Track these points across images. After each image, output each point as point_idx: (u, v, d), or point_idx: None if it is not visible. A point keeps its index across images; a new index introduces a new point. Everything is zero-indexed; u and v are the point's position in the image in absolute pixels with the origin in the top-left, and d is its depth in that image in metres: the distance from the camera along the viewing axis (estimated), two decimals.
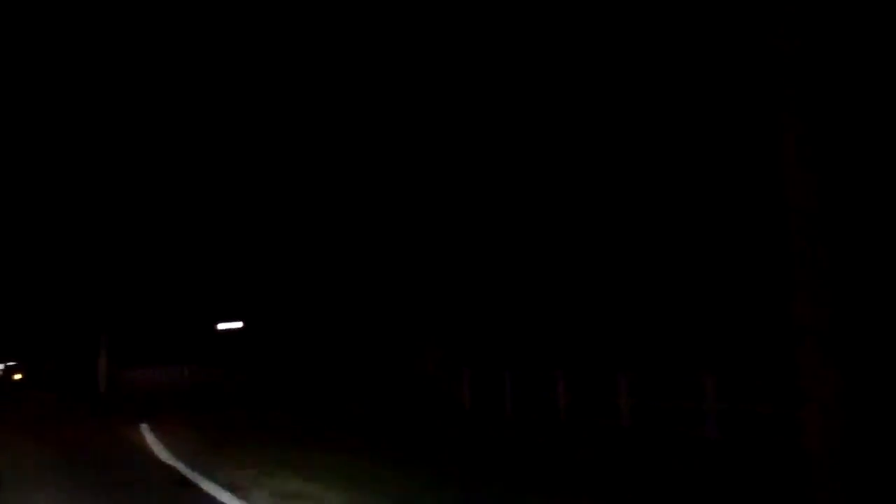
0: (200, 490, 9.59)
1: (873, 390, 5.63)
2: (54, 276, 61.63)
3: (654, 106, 24.36)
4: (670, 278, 24.85)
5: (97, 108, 42.06)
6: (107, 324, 46.63)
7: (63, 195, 51.53)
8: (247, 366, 41.15)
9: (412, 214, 29.36)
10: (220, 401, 29.87)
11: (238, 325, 40.33)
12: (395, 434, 16.75)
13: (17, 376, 72.36)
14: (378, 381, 28.06)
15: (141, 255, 51.49)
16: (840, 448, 5.49)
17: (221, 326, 40.35)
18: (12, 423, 21.52)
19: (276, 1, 30.38)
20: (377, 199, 31.62)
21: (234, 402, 28.54)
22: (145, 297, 53.43)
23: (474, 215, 28.54)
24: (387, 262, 30.54)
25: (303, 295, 37.19)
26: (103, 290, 49.78)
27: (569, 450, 13.86)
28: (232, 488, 9.43)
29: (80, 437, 17.90)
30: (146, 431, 18.24)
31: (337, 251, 33.73)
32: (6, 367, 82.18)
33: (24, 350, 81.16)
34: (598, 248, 26.86)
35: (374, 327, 31.18)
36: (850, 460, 5.41)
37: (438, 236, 28.86)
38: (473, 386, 22.27)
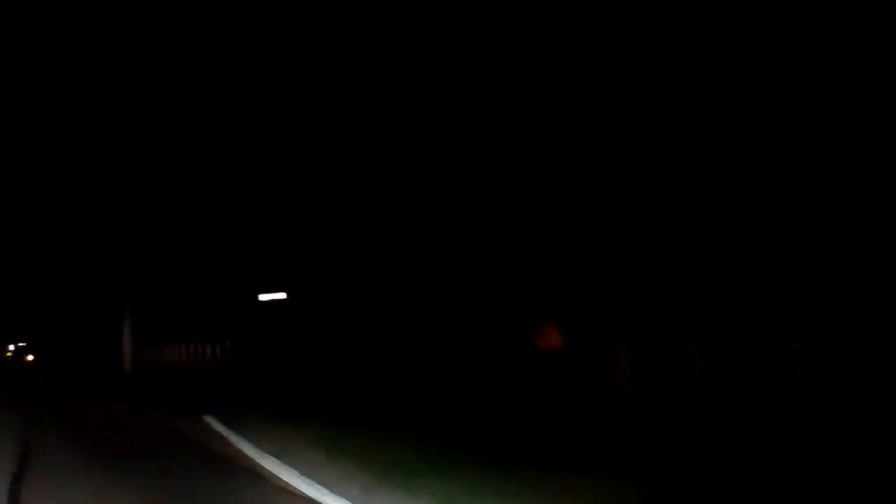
0: None
1: None
2: (65, 246, 56.37)
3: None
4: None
5: (120, 77, 37.79)
6: (130, 296, 41.43)
7: (76, 155, 46.34)
8: (291, 343, 36.04)
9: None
10: (282, 384, 24.78)
11: (281, 295, 35.15)
12: (605, 438, 11.67)
13: (30, 357, 67.67)
14: (475, 358, 22.90)
15: (166, 221, 46.33)
16: None
17: (263, 297, 35.15)
18: (39, 421, 16.39)
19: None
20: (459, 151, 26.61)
21: (301, 386, 23.45)
22: (169, 267, 48.22)
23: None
24: (475, 218, 25.39)
25: (361, 262, 32.01)
26: (124, 259, 44.54)
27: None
28: None
29: (135, 440, 12.81)
30: (225, 431, 13.16)
31: (406, 206, 28.59)
32: (17, 348, 77.53)
33: (31, 329, 76.18)
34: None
35: (458, 295, 26.02)
36: None
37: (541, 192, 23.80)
38: (634, 363, 17.14)
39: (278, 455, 10.04)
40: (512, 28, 25.78)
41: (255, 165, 40.19)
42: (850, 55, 18.95)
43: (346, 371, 26.00)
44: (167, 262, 48.73)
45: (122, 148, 42.92)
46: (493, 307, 23.47)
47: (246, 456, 10.46)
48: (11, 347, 79.62)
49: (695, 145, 23.63)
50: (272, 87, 35.40)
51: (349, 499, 7.36)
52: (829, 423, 11.76)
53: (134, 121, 41.22)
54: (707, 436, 11.32)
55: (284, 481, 8.55)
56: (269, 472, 9.13)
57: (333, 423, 13.67)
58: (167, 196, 45.99)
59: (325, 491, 7.77)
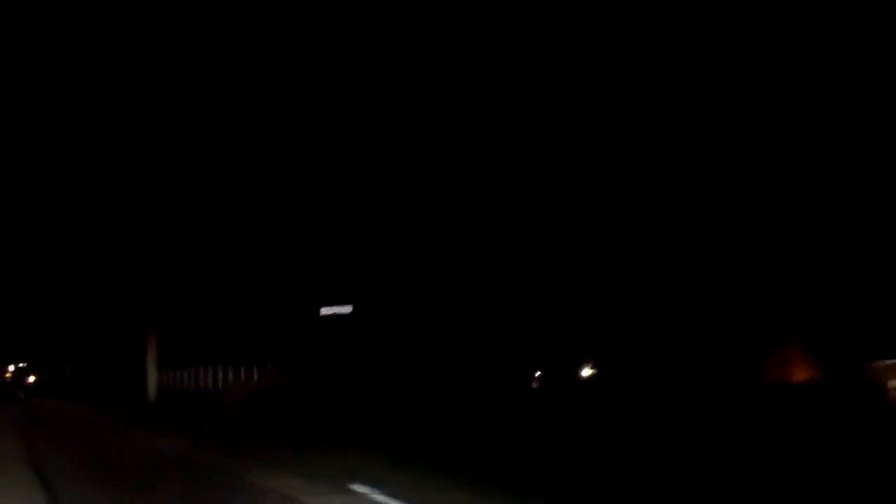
0: None
1: None
2: (73, 254, 49.76)
3: None
4: None
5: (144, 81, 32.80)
6: (154, 313, 34.95)
7: (86, 154, 40.13)
8: (357, 365, 29.36)
9: None
10: (375, 421, 18.22)
11: (346, 309, 28.70)
12: None
13: (31, 379, 60.97)
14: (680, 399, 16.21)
15: (193, 228, 39.99)
16: None
17: (326, 311, 28.69)
18: (63, 476, 9.87)
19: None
20: None
21: (407, 426, 16.90)
22: (194, 279, 41.66)
23: None
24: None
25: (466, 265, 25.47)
26: (146, 272, 38.02)
27: None
28: None
29: None
30: None
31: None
32: (17, 368, 70.61)
33: (34, 348, 69.24)
34: None
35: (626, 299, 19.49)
36: None
37: None
38: None
39: None
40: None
41: (302, 162, 34.05)
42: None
43: (471, 408, 19.36)
44: (192, 274, 42.26)
45: (141, 146, 37.11)
46: (690, 317, 16.85)
47: None
48: (11, 368, 72.74)
49: None
50: (325, 88, 30.24)
51: None
52: None
53: (157, 121, 35.62)
54: None
55: None
56: None
57: None
58: (194, 200, 39.77)
59: None
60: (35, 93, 37.28)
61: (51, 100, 38.10)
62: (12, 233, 49.16)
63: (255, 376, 37.16)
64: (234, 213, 37.90)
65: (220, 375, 40.24)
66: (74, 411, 25.45)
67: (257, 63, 32.76)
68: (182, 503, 8.34)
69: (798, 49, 18.53)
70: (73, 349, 58.71)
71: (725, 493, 8.30)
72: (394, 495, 8.12)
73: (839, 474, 8.91)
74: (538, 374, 28.74)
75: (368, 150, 28.52)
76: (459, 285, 25.89)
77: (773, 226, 15.99)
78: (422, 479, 9.36)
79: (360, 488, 8.66)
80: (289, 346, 35.38)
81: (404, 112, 28.48)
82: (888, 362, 13.19)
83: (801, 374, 14.48)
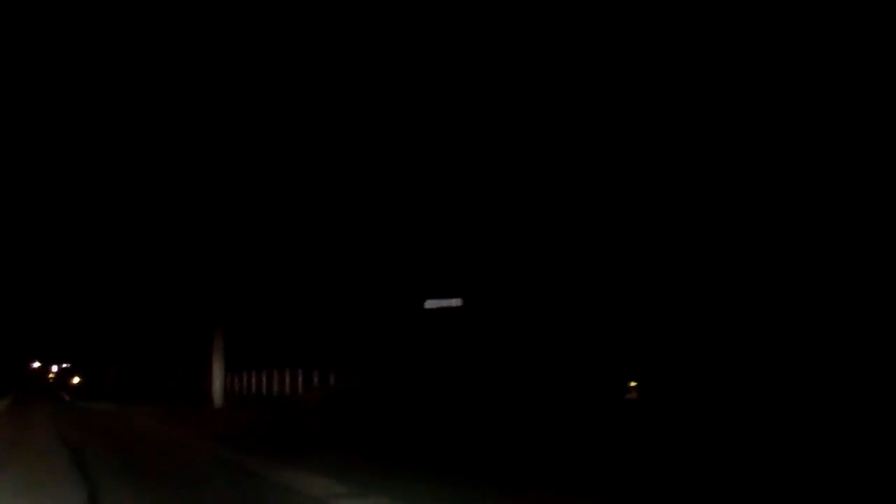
0: None
1: None
2: (126, 247, 45.54)
3: None
4: None
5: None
6: (222, 308, 30.32)
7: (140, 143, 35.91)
8: (446, 375, 24.24)
9: None
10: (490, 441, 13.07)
11: (455, 302, 23.74)
12: None
13: (75, 380, 57.23)
14: None
15: (261, 210, 35.52)
16: None
17: (431, 304, 23.79)
18: None
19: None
20: None
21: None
22: (265, 268, 37.10)
23: None
24: None
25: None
26: (211, 262, 33.55)
27: None
28: None
29: None
30: None
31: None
32: (60, 369, 67.12)
33: (80, 349, 65.48)
34: None
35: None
36: None
37: None
38: None
39: None
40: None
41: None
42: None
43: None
44: (259, 264, 37.73)
45: (202, 133, 32.92)
46: None
47: None
48: (54, 368, 69.23)
49: None
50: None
51: None
52: None
53: (222, 111, 31.58)
54: None
55: None
56: None
57: None
58: (263, 183, 35.24)
59: None
60: (97, 100, 33.93)
61: (110, 104, 34.57)
62: (53, 229, 45.27)
63: (333, 381, 32.45)
64: (306, 198, 33.34)
65: (288, 379, 35.56)
66: (134, 420, 20.79)
67: (339, 62, 28.83)
68: None
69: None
70: (119, 349, 54.51)
71: None
72: None
73: None
74: (634, 384, 24.27)
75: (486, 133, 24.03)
76: (556, 284, 21.28)
77: None
78: None
79: None
80: (372, 347, 30.52)
81: (521, 109, 24.38)
82: None
83: None
